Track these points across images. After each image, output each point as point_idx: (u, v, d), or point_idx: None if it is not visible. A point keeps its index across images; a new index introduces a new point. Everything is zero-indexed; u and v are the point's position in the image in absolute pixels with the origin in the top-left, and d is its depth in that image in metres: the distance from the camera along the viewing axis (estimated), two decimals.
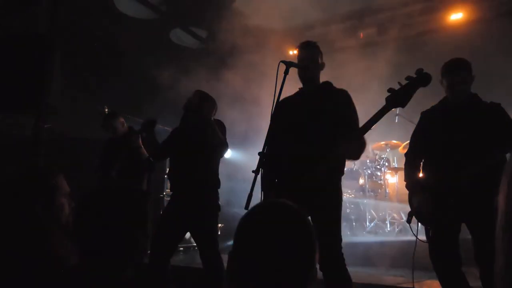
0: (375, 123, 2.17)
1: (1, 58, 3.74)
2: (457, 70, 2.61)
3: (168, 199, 4.11)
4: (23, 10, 4.37)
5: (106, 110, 4.96)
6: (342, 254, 2.39)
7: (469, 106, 2.65)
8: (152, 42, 6.09)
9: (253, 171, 2.26)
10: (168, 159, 3.98)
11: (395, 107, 2.08)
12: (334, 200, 2.48)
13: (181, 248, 5.29)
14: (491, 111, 2.61)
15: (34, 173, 1.90)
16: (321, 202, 2.34)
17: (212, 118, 3.18)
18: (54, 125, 4.68)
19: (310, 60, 2.64)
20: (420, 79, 2.00)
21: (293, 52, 6.74)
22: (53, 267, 1.45)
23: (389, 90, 2.06)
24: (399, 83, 2.04)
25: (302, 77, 2.67)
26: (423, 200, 2.58)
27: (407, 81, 2.02)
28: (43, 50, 3.70)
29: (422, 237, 2.65)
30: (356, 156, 2.48)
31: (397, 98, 2.04)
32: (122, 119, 4.18)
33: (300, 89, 2.75)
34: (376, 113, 2.14)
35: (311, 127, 2.45)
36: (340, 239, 2.43)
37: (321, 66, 2.73)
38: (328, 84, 2.71)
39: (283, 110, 2.58)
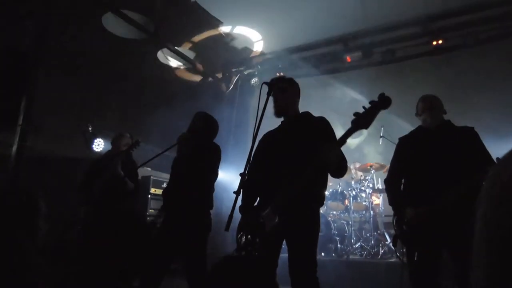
0: (343, 143, 2.25)
1: None
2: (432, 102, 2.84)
3: (151, 218, 4.01)
4: (9, 28, 4.35)
5: (90, 128, 4.91)
6: (317, 277, 2.37)
7: (444, 131, 2.75)
8: (139, 61, 6.10)
9: (234, 192, 2.26)
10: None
11: (360, 129, 2.18)
12: (310, 225, 2.47)
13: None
14: (465, 135, 2.73)
15: (15, 198, 1.82)
16: (296, 227, 2.39)
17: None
18: (35, 143, 4.60)
19: (282, 100, 2.65)
20: (381, 103, 2.11)
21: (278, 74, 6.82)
22: None
23: (355, 114, 2.17)
24: (363, 107, 2.15)
25: (275, 112, 2.69)
26: (419, 212, 2.59)
27: (370, 105, 2.13)
28: (26, 67, 3.67)
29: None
30: (338, 168, 2.45)
31: (361, 121, 2.15)
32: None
33: (282, 121, 2.78)
34: (343, 135, 2.23)
35: (290, 156, 2.47)
36: (315, 263, 2.40)
37: (294, 99, 2.74)
38: (306, 113, 2.75)
39: (266, 142, 2.70)
